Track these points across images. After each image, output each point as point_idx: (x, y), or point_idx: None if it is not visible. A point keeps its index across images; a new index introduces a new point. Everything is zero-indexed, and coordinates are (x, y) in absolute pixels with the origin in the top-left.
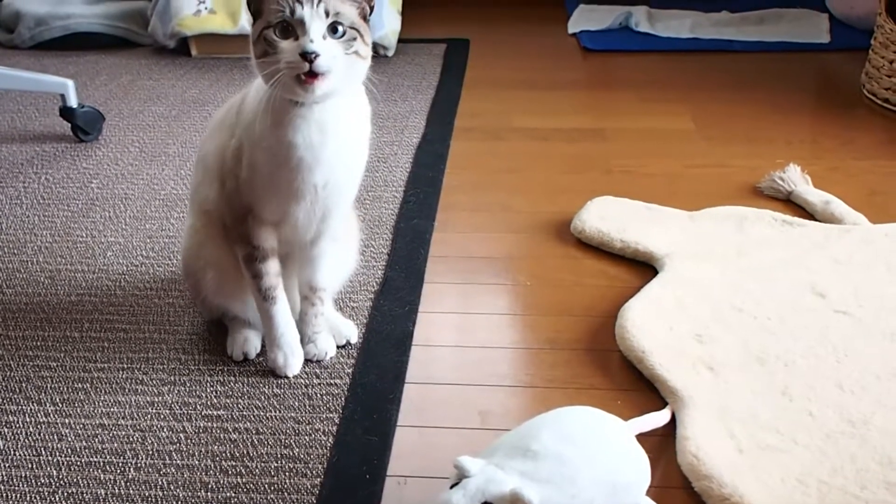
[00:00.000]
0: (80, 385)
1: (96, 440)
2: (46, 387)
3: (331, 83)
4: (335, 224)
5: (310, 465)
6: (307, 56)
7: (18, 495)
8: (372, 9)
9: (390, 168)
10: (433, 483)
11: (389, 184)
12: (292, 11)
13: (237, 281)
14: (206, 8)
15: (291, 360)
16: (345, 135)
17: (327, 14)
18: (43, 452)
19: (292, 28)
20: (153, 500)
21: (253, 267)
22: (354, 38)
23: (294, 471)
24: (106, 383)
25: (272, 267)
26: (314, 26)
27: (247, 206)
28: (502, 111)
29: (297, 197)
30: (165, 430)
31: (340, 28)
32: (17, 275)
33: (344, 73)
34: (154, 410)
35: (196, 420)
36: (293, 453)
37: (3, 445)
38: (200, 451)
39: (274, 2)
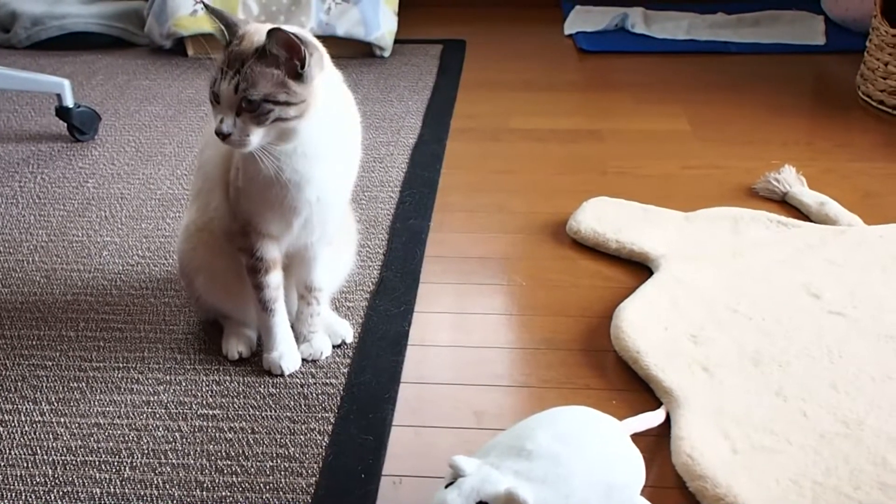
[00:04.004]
0: (75, 384)
1: (92, 439)
2: (42, 386)
3: (254, 146)
4: (331, 230)
5: (305, 465)
6: (219, 135)
7: (14, 494)
8: (303, 62)
9: (386, 168)
10: (428, 483)
11: (385, 184)
12: (214, 82)
13: (229, 285)
14: (202, 8)
15: (287, 359)
16: (332, 149)
17: (236, 90)
18: (38, 451)
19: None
20: (149, 499)
21: (255, 278)
22: (271, 110)
23: (289, 470)
24: (101, 382)
25: (274, 280)
26: (225, 104)
27: (247, 218)
28: (498, 112)
29: (293, 212)
30: (161, 429)
31: (253, 104)
32: (13, 274)
33: (272, 136)
34: (150, 409)
35: (192, 419)
36: (289, 453)
37: None
38: (196, 451)
39: (214, 65)
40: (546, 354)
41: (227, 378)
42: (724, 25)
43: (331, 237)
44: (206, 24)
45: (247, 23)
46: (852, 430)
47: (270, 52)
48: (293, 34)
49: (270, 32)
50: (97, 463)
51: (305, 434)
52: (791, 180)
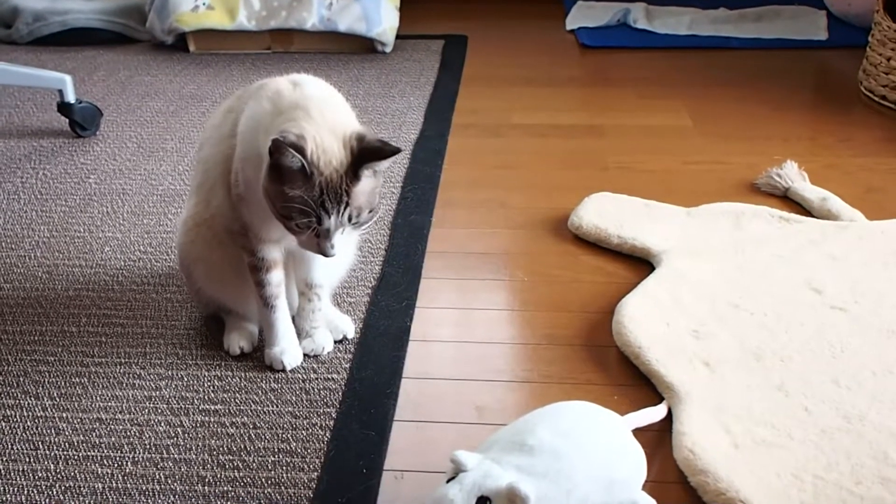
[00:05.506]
0: (77, 379)
1: (94, 434)
2: (44, 381)
3: None
4: None
5: (307, 460)
6: (325, 255)
7: (16, 489)
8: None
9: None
10: (430, 478)
11: (387, 180)
12: (319, 221)
13: (228, 277)
14: (203, 4)
15: (289, 355)
16: None
17: (350, 219)
18: (41, 446)
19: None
20: (150, 493)
21: (257, 276)
22: (373, 217)
23: (291, 465)
24: (103, 378)
25: (275, 278)
26: (336, 233)
27: (247, 223)
28: (500, 107)
29: None
30: (163, 424)
31: (361, 223)
32: (15, 270)
33: None
34: (151, 405)
35: (193, 414)
36: (290, 448)
37: (1, 439)
38: (198, 446)
39: (299, 203)
40: (547, 350)
41: (229, 373)
42: (726, 21)
43: None
44: (207, 20)
45: (302, 137)
46: (854, 425)
47: (365, 166)
48: (377, 141)
49: (360, 154)
50: (99, 458)
51: (307, 429)
52: (793, 176)
